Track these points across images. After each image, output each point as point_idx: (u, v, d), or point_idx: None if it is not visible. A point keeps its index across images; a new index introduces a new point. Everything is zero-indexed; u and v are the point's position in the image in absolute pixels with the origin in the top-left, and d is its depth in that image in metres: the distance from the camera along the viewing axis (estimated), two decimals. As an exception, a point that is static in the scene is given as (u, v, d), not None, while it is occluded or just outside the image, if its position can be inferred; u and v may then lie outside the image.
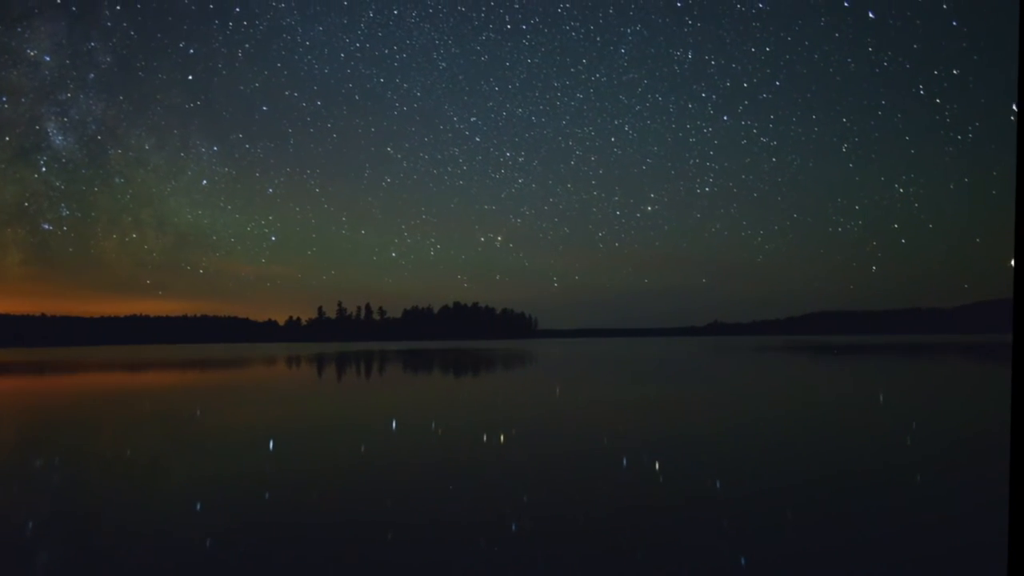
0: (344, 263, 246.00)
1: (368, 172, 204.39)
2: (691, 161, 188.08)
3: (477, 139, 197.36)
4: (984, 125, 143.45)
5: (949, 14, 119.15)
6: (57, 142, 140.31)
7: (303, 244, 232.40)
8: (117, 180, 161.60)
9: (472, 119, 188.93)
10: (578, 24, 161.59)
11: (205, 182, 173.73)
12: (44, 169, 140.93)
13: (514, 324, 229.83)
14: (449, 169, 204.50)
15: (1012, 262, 1.57)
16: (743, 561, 5.20)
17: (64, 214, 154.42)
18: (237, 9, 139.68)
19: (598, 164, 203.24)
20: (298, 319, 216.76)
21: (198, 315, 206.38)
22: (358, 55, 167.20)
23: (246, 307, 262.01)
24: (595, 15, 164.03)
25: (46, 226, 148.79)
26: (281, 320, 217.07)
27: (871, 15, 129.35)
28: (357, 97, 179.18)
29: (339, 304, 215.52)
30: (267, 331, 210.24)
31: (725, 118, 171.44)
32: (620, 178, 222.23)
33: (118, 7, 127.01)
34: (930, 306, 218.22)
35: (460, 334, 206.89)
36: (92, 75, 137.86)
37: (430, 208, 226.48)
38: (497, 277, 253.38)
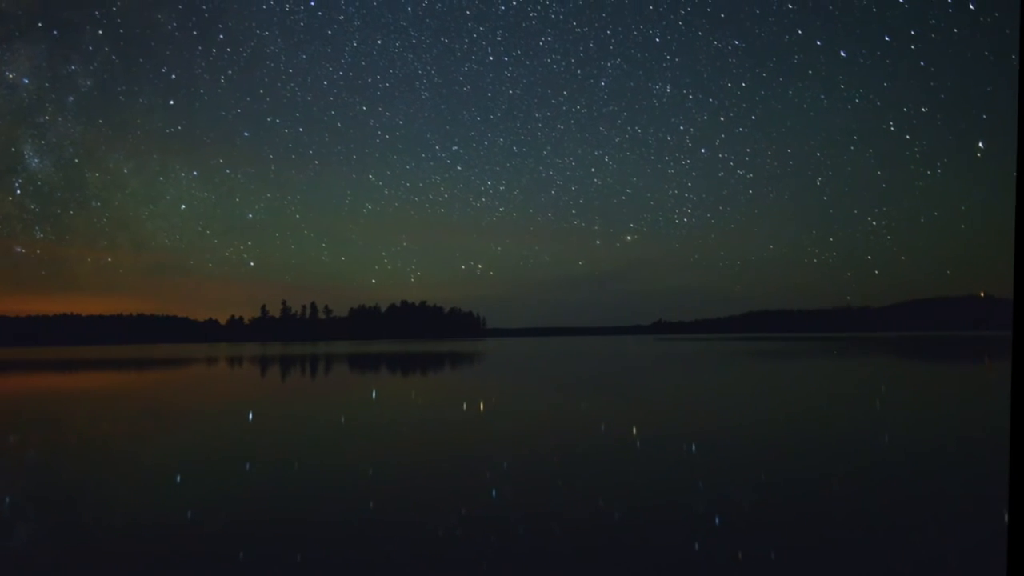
0: (323, 288, 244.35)
1: (349, 199, 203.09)
2: (670, 192, 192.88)
3: (459, 168, 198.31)
4: (952, 161, 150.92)
5: (917, 54, 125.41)
6: (33, 164, 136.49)
7: (282, 270, 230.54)
8: (94, 203, 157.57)
9: (454, 148, 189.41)
10: (559, 57, 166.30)
11: (184, 206, 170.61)
12: (19, 192, 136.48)
13: (462, 323, 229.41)
14: (430, 197, 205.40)
15: (1013, 262, 1.56)
16: None
17: (38, 237, 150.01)
18: (221, 36, 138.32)
19: (578, 194, 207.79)
20: (240, 318, 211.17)
21: (133, 314, 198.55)
22: (341, 83, 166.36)
23: (185, 305, 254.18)
24: (576, 49, 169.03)
25: (19, 249, 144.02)
26: (223, 319, 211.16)
27: (842, 54, 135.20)
28: (339, 124, 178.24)
29: (283, 303, 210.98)
30: (208, 331, 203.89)
31: (703, 150, 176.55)
32: (600, 208, 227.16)
33: (100, 31, 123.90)
34: (861, 305, 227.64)
35: (408, 333, 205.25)
36: (71, 98, 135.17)
37: (411, 236, 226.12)
38: (479, 306, 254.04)
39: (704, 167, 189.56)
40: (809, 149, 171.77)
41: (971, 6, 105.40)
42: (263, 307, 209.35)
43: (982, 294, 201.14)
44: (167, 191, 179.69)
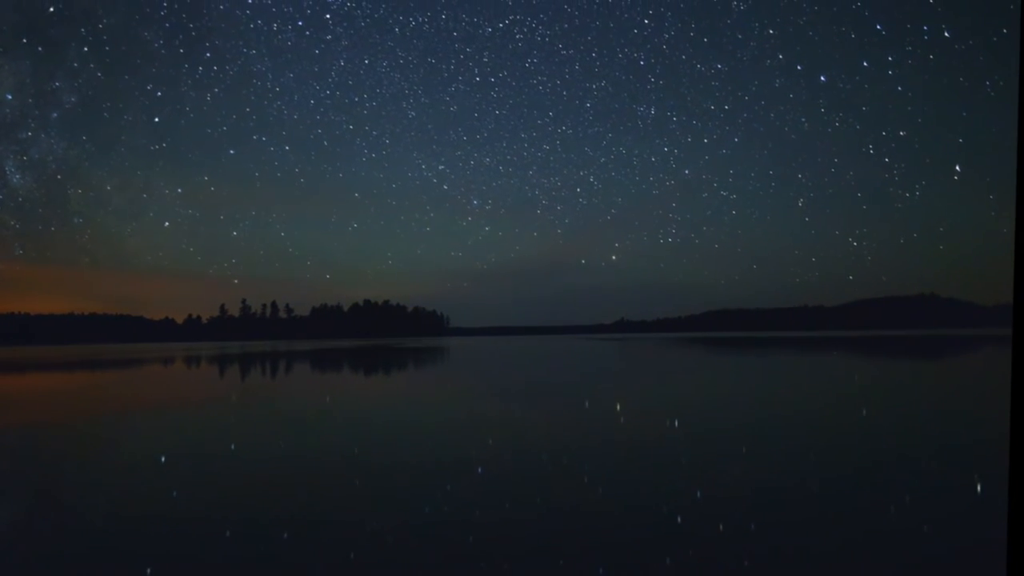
0: (307, 305, 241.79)
1: (335, 217, 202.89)
2: (654, 212, 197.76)
3: (445, 187, 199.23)
4: (929, 183, 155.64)
5: (894, 80, 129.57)
6: (14, 181, 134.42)
7: (267, 285, 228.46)
8: (76, 220, 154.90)
9: (440, 167, 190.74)
10: (545, 79, 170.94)
11: (167, 223, 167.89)
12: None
13: (425, 322, 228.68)
14: (416, 216, 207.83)
15: (1013, 263, 1.57)
16: None
17: (18, 253, 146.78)
18: (207, 54, 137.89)
19: (564, 213, 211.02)
20: (198, 317, 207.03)
21: (86, 313, 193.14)
22: (328, 102, 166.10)
23: (141, 304, 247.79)
24: (562, 71, 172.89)
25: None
26: (179, 318, 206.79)
27: (822, 79, 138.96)
28: (326, 143, 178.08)
29: (243, 302, 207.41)
30: (164, 330, 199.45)
31: (686, 171, 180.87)
32: (585, 227, 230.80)
33: (86, 48, 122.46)
34: (815, 304, 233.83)
35: (371, 332, 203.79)
36: (55, 114, 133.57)
37: (396, 254, 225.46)
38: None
39: (688, 188, 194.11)
40: (791, 171, 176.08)
41: (946, 34, 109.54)
42: (222, 306, 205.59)
43: (929, 293, 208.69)
44: (151, 208, 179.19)
